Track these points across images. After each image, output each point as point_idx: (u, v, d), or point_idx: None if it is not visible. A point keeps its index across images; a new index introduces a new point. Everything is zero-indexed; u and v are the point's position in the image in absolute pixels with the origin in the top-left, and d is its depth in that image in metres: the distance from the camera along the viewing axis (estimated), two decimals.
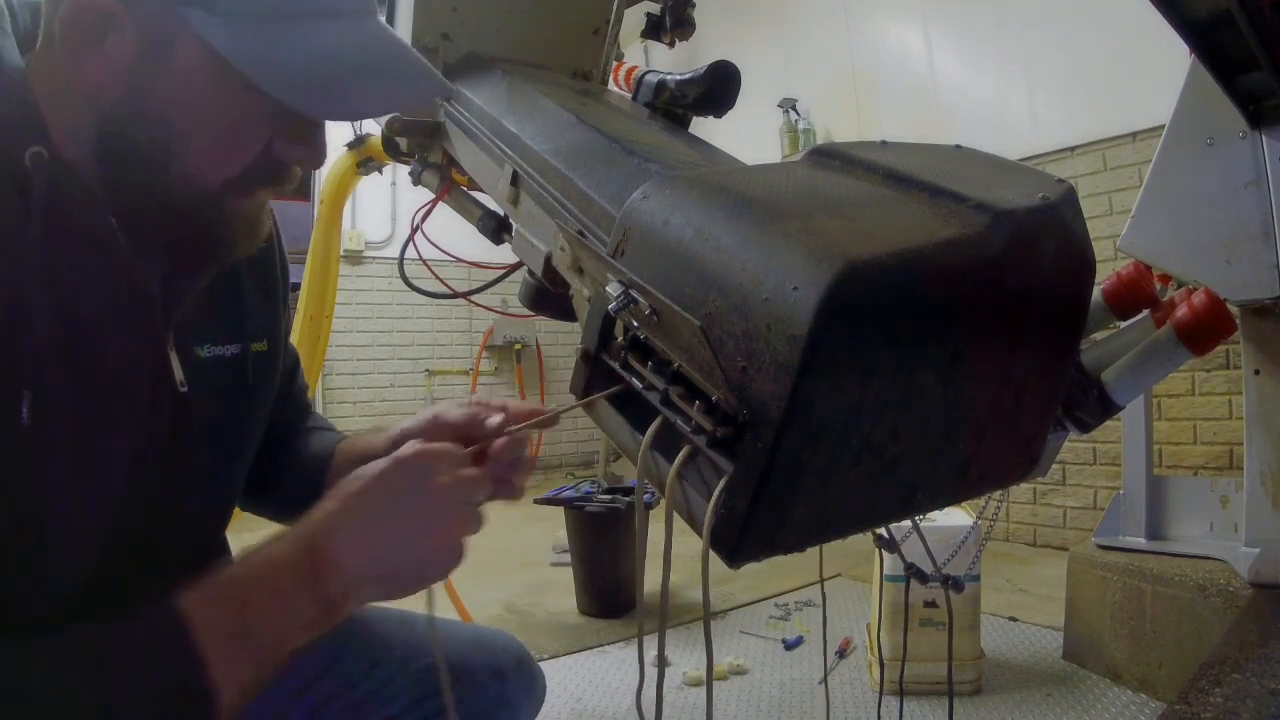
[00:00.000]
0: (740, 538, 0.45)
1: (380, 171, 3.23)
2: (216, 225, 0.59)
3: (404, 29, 1.00)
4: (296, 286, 3.52)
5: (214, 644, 0.47)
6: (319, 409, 1.03)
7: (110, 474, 0.57)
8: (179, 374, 0.63)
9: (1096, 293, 1.12)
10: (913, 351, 0.43)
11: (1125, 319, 1.14)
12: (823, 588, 1.02)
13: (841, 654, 2.06)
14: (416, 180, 1.07)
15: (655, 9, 1.12)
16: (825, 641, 1.21)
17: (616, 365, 0.56)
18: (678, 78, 0.86)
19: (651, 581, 0.77)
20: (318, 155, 0.60)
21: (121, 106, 0.54)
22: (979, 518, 1.69)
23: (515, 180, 0.79)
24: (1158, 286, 1.40)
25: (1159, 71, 2.08)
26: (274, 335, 0.76)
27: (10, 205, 0.50)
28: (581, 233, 0.65)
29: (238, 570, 0.52)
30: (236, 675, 0.48)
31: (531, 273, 0.81)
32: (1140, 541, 1.83)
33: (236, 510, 0.82)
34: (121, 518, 0.58)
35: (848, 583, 2.71)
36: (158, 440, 0.61)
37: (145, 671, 0.46)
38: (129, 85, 0.53)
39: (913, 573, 0.98)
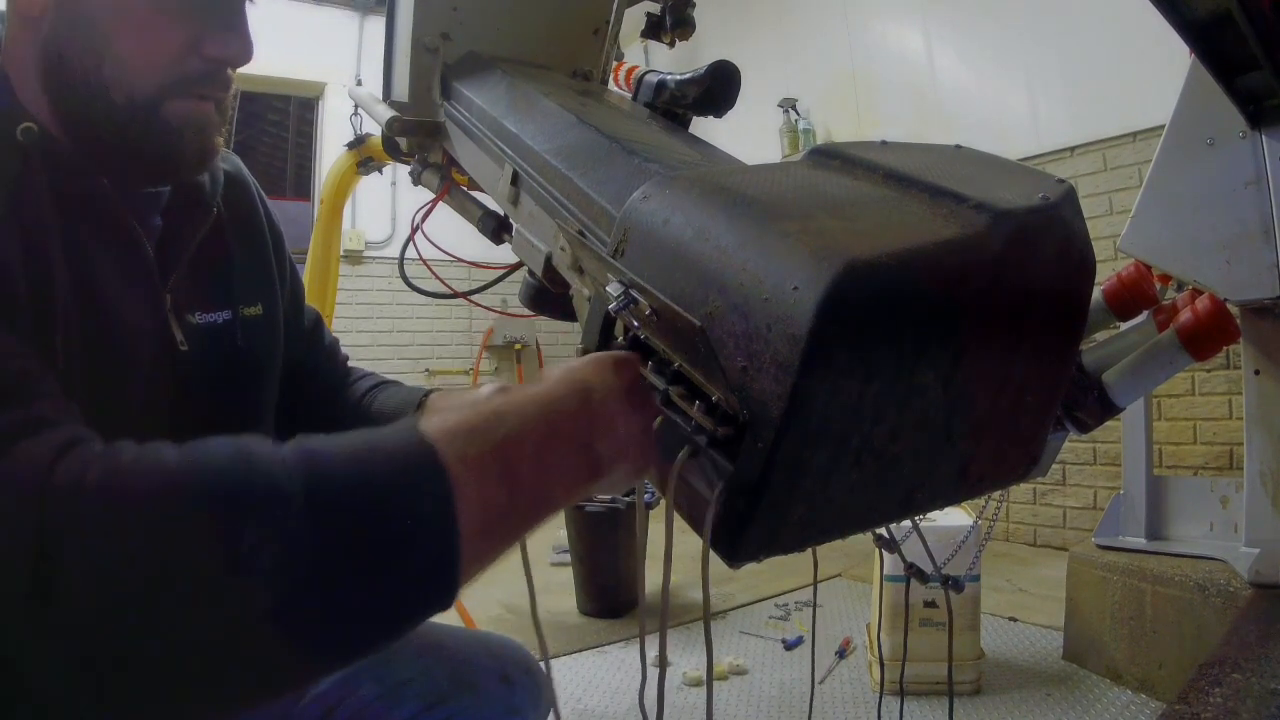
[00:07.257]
0: (740, 538, 0.45)
1: (380, 171, 3.23)
2: (162, 134, 0.60)
3: (404, 29, 1.00)
4: None
5: (465, 474, 0.40)
6: None
7: (124, 429, 0.58)
8: (178, 334, 0.65)
9: (1097, 293, 1.12)
10: (913, 352, 0.43)
11: (1125, 320, 1.14)
12: (815, 591, 1.02)
13: (842, 654, 2.06)
14: (416, 180, 1.07)
15: (655, 9, 1.12)
16: (814, 644, 1.21)
17: None
18: (678, 78, 0.86)
19: (652, 581, 0.77)
20: (243, 46, 0.62)
21: (57, 26, 0.56)
22: (979, 518, 1.69)
23: (515, 180, 0.79)
24: (1158, 287, 1.39)
25: (1159, 71, 2.08)
26: (270, 298, 0.76)
27: (19, 179, 0.53)
28: (582, 233, 0.65)
29: (493, 399, 0.45)
30: (486, 519, 0.41)
31: (531, 273, 0.81)
32: (1140, 542, 1.83)
33: None
34: None
35: (848, 583, 2.71)
36: (164, 397, 0.63)
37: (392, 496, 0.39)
38: (56, 3, 0.56)
39: (913, 573, 0.98)
